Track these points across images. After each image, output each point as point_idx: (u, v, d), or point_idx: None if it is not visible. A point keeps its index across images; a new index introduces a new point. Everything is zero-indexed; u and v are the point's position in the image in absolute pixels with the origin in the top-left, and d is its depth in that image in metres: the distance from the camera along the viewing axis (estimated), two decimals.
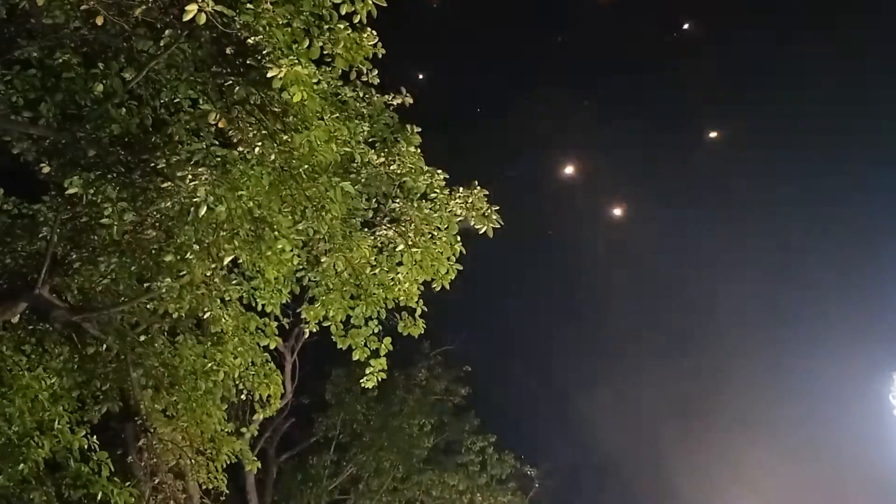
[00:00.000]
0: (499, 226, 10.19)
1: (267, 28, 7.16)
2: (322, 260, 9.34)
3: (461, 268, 10.09)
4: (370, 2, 7.66)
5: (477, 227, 10.20)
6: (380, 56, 8.49)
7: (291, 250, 8.78)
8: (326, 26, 7.80)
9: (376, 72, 8.95)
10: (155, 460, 12.86)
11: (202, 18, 6.71)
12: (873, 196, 32.93)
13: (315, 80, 7.69)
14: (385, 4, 7.74)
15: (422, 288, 10.15)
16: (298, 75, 6.98)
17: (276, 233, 8.51)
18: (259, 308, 10.83)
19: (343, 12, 7.75)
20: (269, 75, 7.04)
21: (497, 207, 10.09)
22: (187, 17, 6.67)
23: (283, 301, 10.80)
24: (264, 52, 7.20)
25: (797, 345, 32.37)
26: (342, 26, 7.84)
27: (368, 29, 8.11)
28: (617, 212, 35.62)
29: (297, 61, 7.06)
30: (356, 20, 7.82)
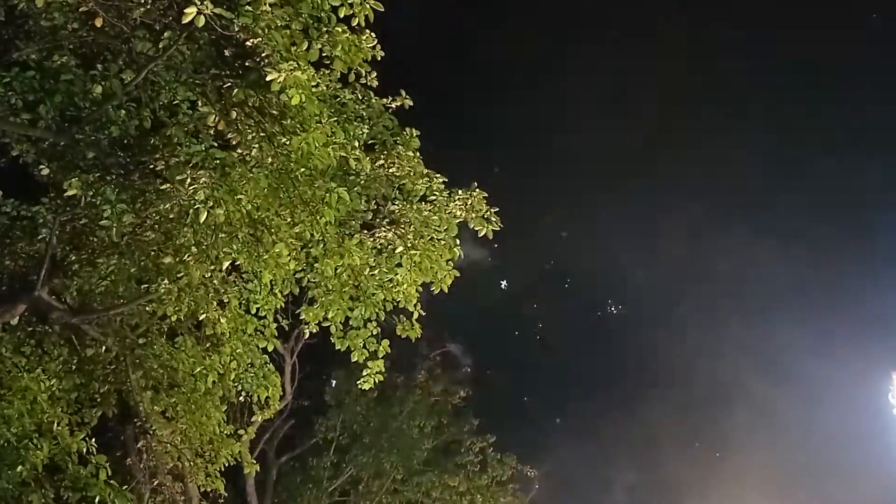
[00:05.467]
0: (499, 228, 10.20)
1: (266, 30, 7.14)
2: (315, 265, 9.33)
3: (458, 274, 10.09)
4: (367, 6, 7.64)
5: (476, 228, 10.20)
6: (378, 59, 8.46)
7: (289, 254, 8.75)
8: (325, 28, 7.78)
9: (375, 74, 8.94)
10: (154, 462, 12.86)
11: (201, 21, 6.69)
12: (872, 196, 32.96)
13: (314, 83, 7.69)
14: (382, 9, 7.71)
15: (420, 290, 10.14)
16: (298, 80, 6.97)
17: (274, 236, 8.49)
18: (256, 311, 10.82)
19: (341, 15, 7.73)
20: (268, 79, 7.03)
21: (497, 209, 10.10)
22: (186, 20, 6.66)
23: (279, 306, 10.78)
24: (263, 54, 7.19)
25: (797, 344, 32.39)
26: (340, 29, 7.82)
27: (367, 31, 8.10)
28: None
29: (296, 65, 7.04)
30: (354, 23, 7.80)
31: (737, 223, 34.00)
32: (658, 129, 33.98)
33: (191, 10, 6.63)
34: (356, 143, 8.57)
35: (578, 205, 35.84)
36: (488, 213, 10.04)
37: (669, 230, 33.98)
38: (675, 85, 33.66)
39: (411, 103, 9.67)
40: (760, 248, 33.03)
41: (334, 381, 22.29)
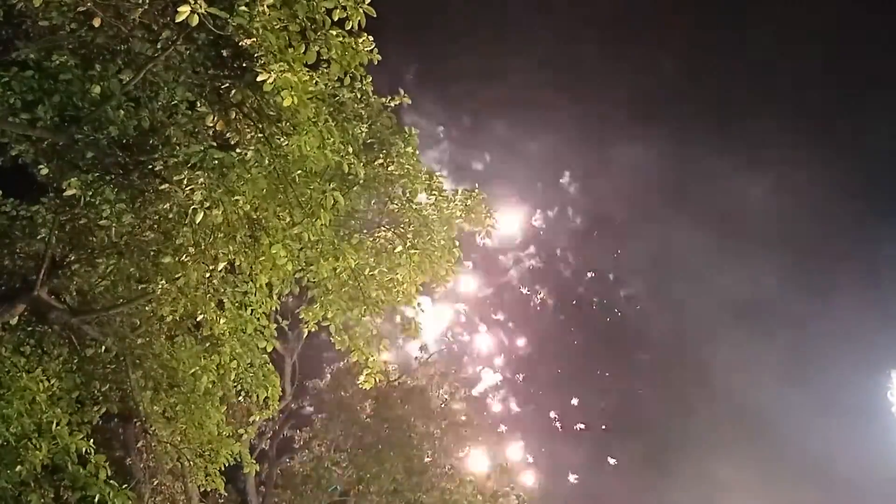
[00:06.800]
0: (496, 229, 10.23)
1: (260, 31, 7.12)
2: (310, 267, 9.33)
3: (457, 272, 10.11)
4: (361, 10, 7.62)
5: (475, 229, 10.24)
6: (375, 62, 8.44)
7: (286, 256, 8.74)
8: (320, 31, 7.76)
9: (370, 79, 8.93)
10: (154, 462, 12.84)
11: (194, 20, 6.69)
12: (872, 197, 32.95)
13: (312, 83, 7.68)
14: (375, 15, 7.70)
15: (420, 289, 10.16)
16: (288, 81, 6.97)
17: (272, 238, 8.47)
18: (251, 312, 10.80)
19: (335, 18, 7.71)
20: (258, 79, 7.05)
21: (495, 210, 10.14)
22: (179, 19, 6.66)
23: (275, 307, 10.76)
24: (256, 55, 7.19)
25: (797, 343, 32.37)
26: (335, 32, 7.80)
27: (365, 34, 8.08)
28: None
29: (287, 67, 7.03)
30: (348, 26, 7.79)
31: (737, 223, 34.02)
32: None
33: (184, 9, 6.62)
34: (350, 150, 8.54)
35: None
36: (487, 213, 10.08)
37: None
38: None
39: (409, 101, 9.69)
40: (759, 245, 33.05)
41: (334, 381, 22.25)
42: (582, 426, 34.91)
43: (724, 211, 34.24)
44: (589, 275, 37.25)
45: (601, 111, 33.96)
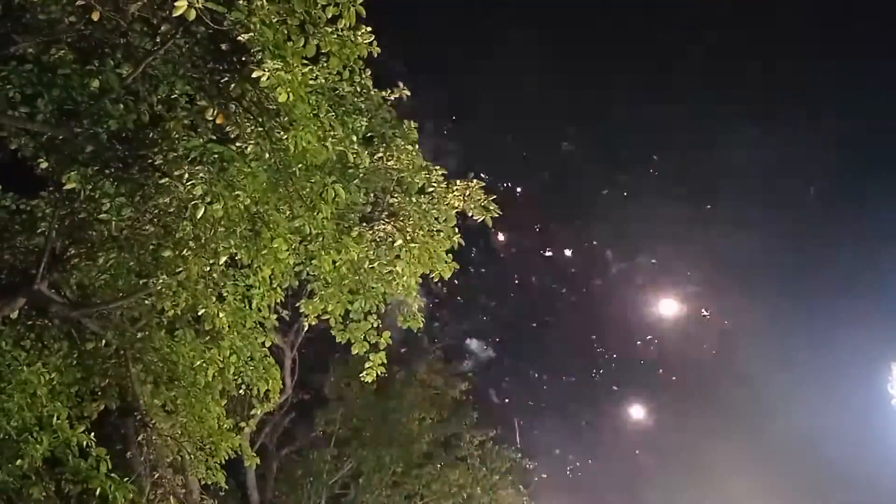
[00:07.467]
0: (497, 216, 10.25)
1: (258, 25, 7.13)
2: (313, 260, 9.35)
3: (457, 266, 10.13)
4: (353, 10, 7.62)
5: (476, 217, 10.26)
6: (375, 55, 8.44)
7: (287, 249, 8.75)
8: (319, 26, 7.76)
9: (369, 72, 8.93)
10: (155, 455, 12.87)
11: (192, 14, 6.70)
12: (873, 192, 32.98)
13: (312, 77, 7.69)
14: (364, 14, 7.70)
15: (420, 281, 10.18)
16: (282, 79, 6.97)
17: (273, 231, 8.48)
18: (255, 305, 10.81)
19: (329, 15, 7.71)
20: (253, 76, 7.06)
21: (494, 197, 10.16)
22: (177, 13, 6.67)
23: (278, 300, 10.79)
24: (253, 50, 7.20)
25: (797, 336, 32.42)
26: (329, 29, 7.81)
27: (363, 27, 8.08)
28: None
29: (282, 63, 7.04)
30: (341, 24, 7.79)
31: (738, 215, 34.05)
32: None
33: (181, 4, 6.63)
34: (354, 138, 8.55)
35: None
36: (486, 201, 10.10)
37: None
38: None
39: (408, 93, 9.69)
40: (761, 240, 33.08)
41: (334, 375, 22.30)
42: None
43: (720, 186, 34.29)
44: (572, 251, 37.31)
45: (593, 76, 33.93)
